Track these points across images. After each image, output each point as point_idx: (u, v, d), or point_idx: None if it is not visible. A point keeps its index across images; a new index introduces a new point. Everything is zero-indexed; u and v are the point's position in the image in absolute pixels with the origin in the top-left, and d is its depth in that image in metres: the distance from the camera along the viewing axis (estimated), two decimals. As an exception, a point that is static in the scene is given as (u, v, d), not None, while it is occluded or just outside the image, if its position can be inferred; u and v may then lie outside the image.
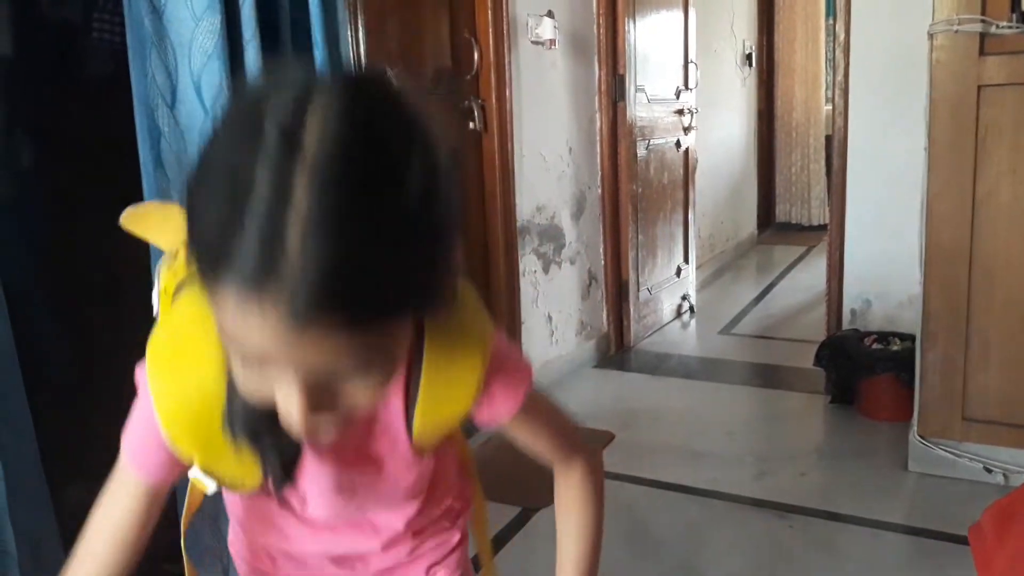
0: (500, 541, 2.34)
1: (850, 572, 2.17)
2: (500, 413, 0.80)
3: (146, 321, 0.80)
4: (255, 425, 0.68)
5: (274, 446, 0.71)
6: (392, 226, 0.52)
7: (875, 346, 3.14)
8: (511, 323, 3.29)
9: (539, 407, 0.86)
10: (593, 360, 3.98)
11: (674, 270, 4.61)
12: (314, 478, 0.80)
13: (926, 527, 2.36)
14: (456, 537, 1.00)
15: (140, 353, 0.75)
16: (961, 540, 2.24)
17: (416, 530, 0.94)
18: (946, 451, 2.62)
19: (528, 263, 3.38)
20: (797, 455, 2.88)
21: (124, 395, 0.76)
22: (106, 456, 0.79)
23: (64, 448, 1.75)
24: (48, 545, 1.53)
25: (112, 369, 2.47)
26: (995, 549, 1.31)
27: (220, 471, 0.74)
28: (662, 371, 3.89)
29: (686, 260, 4.73)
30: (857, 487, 2.63)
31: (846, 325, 3.42)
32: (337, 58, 1.81)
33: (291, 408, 0.58)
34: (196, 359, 0.69)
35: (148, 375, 0.72)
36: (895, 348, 3.09)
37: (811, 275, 5.29)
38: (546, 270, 3.52)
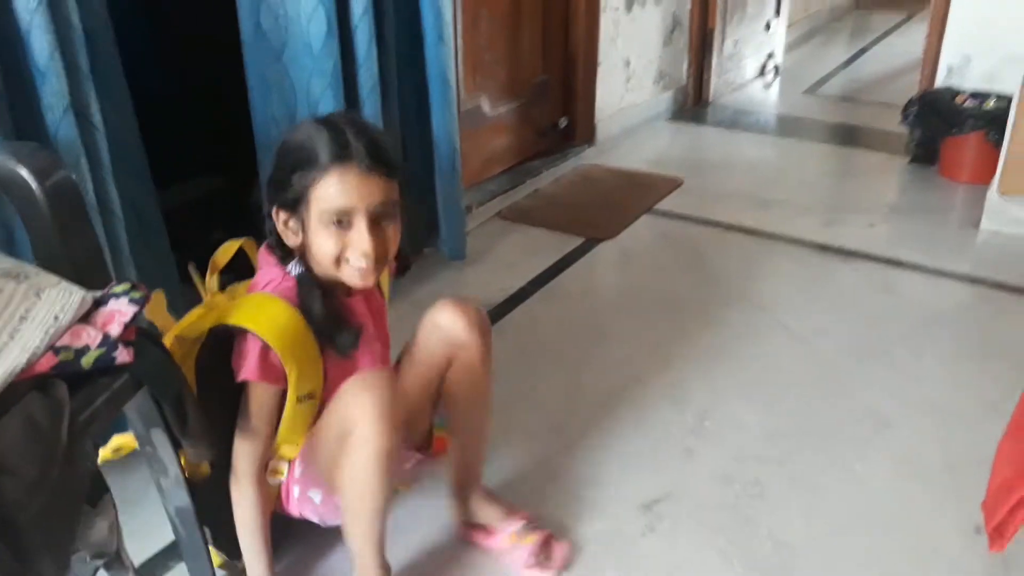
0: (568, 262, 2.45)
1: (905, 311, 2.22)
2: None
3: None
4: (327, 317, 1.19)
5: (341, 325, 1.21)
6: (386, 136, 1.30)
7: (968, 104, 2.99)
8: (587, 62, 3.20)
9: None
10: (669, 112, 3.90)
11: (763, 24, 4.37)
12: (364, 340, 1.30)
13: (989, 277, 2.37)
14: None
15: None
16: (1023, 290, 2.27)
17: None
18: (1024, 209, 2.57)
19: (610, -2, 3.22)
20: (868, 208, 2.86)
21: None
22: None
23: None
24: (149, 211, 1.65)
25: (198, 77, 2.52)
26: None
27: (303, 378, 1.18)
28: (739, 126, 3.81)
29: (777, 14, 4.46)
30: (925, 240, 2.63)
31: (940, 83, 3.24)
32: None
33: (363, 241, 1.14)
34: (277, 310, 1.16)
35: (251, 328, 1.14)
36: (989, 106, 2.95)
37: (909, 41, 4.96)
38: (628, 8, 3.36)
